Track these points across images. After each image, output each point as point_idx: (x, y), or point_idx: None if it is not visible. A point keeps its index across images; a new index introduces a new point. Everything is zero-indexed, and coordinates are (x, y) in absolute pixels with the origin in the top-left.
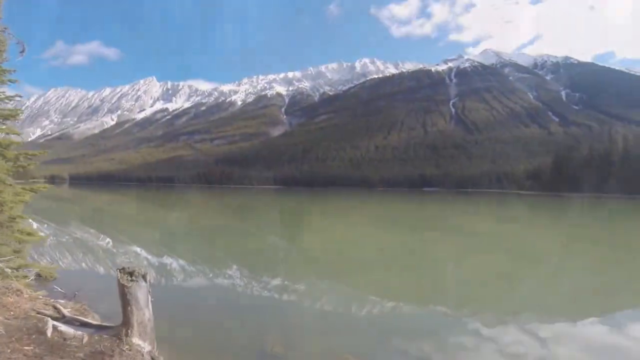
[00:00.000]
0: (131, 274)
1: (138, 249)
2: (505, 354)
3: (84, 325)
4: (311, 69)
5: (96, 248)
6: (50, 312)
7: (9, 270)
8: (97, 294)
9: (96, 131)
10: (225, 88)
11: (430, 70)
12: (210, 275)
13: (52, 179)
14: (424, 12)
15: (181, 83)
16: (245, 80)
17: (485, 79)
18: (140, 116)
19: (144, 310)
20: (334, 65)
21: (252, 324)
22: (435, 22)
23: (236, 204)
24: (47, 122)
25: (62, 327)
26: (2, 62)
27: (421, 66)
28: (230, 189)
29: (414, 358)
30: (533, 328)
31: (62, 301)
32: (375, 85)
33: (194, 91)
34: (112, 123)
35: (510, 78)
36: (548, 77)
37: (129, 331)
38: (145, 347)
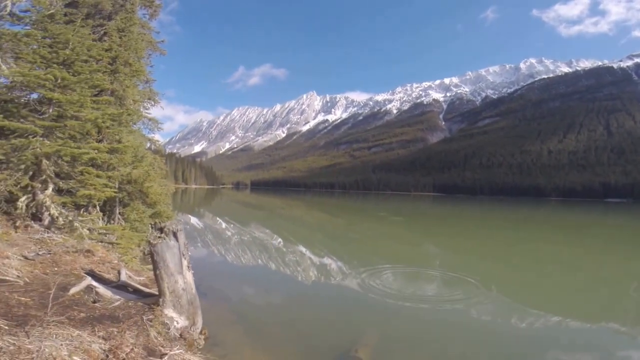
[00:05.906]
0: (161, 229)
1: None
2: None
3: (135, 291)
4: (470, 73)
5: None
6: (111, 275)
7: (86, 231)
8: (208, 276)
9: (271, 143)
10: (380, 98)
11: (612, 67)
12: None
13: (237, 185)
14: (595, 11)
15: (338, 95)
16: (399, 89)
17: None
18: (305, 128)
19: (175, 277)
20: (496, 67)
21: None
22: (611, 19)
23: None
24: (233, 137)
25: (100, 289)
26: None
27: (600, 63)
28: (386, 195)
29: None
30: None
31: (128, 272)
32: (546, 86)
33: (350, 102)
34: (283, 135)
35: None
36: None
37: (161, 300)
38: (180, 321)
